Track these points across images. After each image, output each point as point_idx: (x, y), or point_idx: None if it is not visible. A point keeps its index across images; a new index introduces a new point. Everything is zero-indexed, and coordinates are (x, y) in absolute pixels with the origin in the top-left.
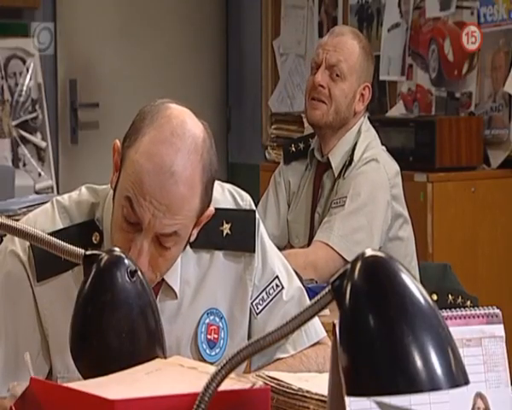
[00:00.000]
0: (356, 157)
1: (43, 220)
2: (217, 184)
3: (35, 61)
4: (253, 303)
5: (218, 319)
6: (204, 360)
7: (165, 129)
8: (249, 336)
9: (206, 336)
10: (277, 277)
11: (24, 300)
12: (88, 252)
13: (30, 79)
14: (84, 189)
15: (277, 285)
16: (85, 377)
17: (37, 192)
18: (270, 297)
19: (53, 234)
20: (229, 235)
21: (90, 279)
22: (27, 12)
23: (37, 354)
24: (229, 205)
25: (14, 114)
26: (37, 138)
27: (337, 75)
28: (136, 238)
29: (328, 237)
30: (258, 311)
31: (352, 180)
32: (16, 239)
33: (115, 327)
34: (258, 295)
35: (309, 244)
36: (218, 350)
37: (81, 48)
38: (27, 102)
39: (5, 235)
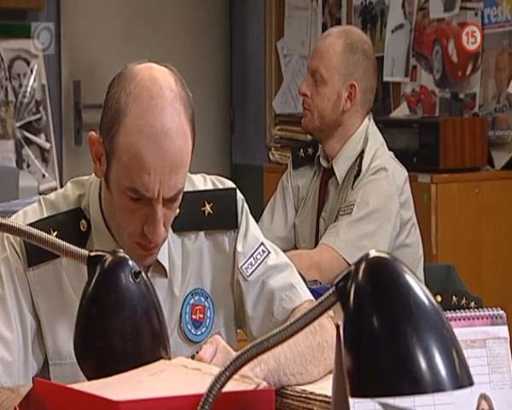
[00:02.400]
0: (364, 167)
1: (32, 215)
2: (200, 175)
3: (39, 63)
4: (242, 268)
5: (203, 299)
6: (189, 340)
7: (142, 97)
8: (241, 303)
9: (190, 317)
10: (262, 243)
11: (22, 284)
12: (92, 253)
13: (34, 80)
14: (69, 183)
15: (263, 251)
16: (89, 378)
17: (41, 193)
18: (258, 262)
19: (40, 221)
20: (211, 214)
21: (94, 280)
22: (31, 13)
23: (35, 340)
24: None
25: (18, 115)
26: (41, 140)
27: (317, 80)
28: (147, 212)
29: (334, 242)
30: (248, 274)
31: (360, 189)
32: None
33: (119, 328)
34: (246, 261)
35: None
36: (203, 329)
37: (85, 49)
38: (31, 103)
39: None
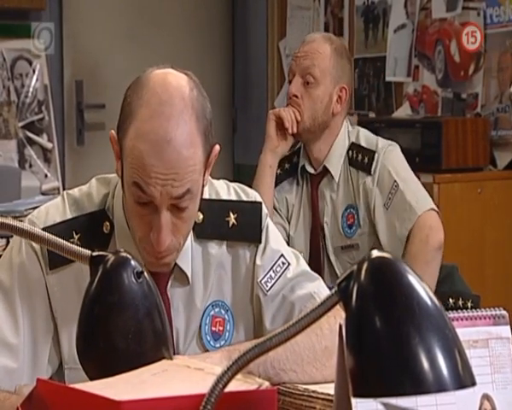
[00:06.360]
0: (377, 147)
1: (54, 212)
2: (223, 182)
3: (41, 63)
4: (262, 282)
5: (223, 312)
6: (207, 352)
7: (151, 103)
8: (260, 317)
9: (210, 328)
10: (282, 254)
11: (38, 289)
12: (94, 253)
13: (36, 80)
14: (94, 180)
15: (283, 262)
16: (92, 377)
17: (43, 193)
18: (278, 275)
19: (62, 223)
20: (235, 225)
21: (96, 280)
22: (34, 14)
23: (50, 344)
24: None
25: (21, 115)
26: (43, 139)
27: (309, 82)
28: (153, 219)
29: (416, 207)
30: (267, 288)
31: (384, 168)
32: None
33: (122, 328)
34: (265, 274)
35: (310, 256)
36: (222, 342)
37: (87, 49)
38: (33, 103)
39: (11, 236)
